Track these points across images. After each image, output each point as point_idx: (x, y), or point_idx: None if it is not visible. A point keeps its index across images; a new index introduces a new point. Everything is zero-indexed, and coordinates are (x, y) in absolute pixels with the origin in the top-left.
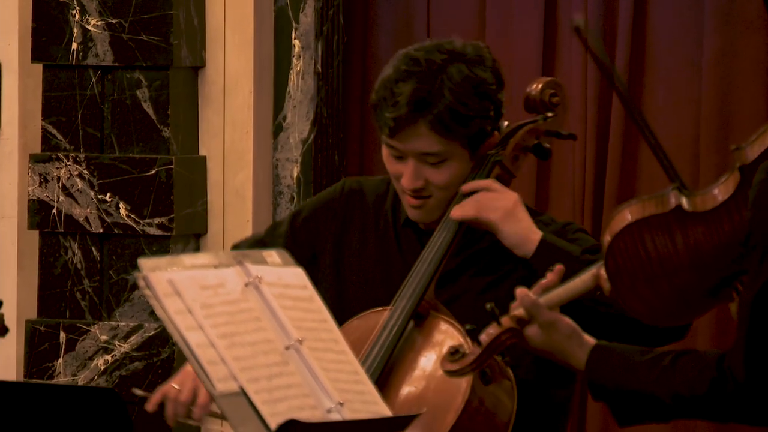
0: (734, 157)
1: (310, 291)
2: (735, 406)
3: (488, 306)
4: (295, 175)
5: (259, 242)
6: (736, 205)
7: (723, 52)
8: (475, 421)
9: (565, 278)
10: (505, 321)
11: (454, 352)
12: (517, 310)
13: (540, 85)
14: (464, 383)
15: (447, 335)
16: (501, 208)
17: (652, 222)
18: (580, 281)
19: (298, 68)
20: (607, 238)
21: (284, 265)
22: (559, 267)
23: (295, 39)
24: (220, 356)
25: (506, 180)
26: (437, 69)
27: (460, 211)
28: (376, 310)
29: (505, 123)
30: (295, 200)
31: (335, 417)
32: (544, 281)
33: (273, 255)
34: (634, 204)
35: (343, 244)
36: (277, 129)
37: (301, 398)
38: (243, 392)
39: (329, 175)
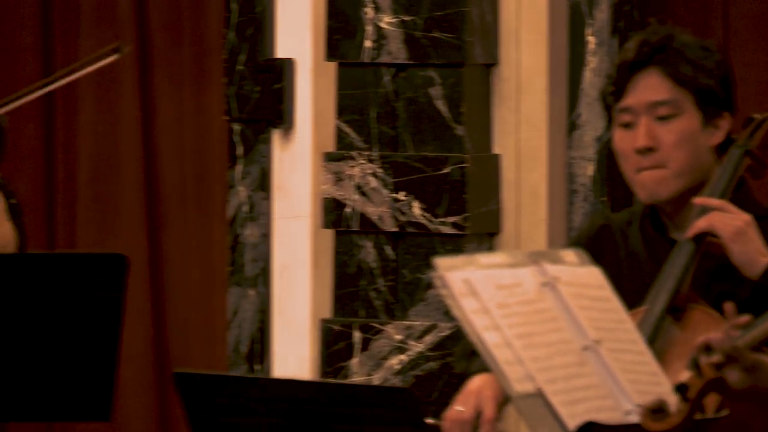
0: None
1: (608, 291)
2: None
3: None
4: (590, 173)
5: None
6: None
7: None
8: None
9: None
10: (706, 370)
11: (658, 410)
12: (715, 356)
13: None
14: None
15: (708, 326)
16: (732, 226)
17: None
18: None
19: (593, 65)
20: None
21: (580, 264)
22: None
23: (589, 35)
24: (517, 357)
25: (758, 172)
26: (666, 31)
27: (692, 230)
28: (631, 312)
29: (756, 115)
30: (590, 199)
31: (634, 419)
32: (738, 320)
33: (570, 254)
34: None
35: None
36: (571, 127)
37: (599, 400)
38: (539, 393)
39: None
